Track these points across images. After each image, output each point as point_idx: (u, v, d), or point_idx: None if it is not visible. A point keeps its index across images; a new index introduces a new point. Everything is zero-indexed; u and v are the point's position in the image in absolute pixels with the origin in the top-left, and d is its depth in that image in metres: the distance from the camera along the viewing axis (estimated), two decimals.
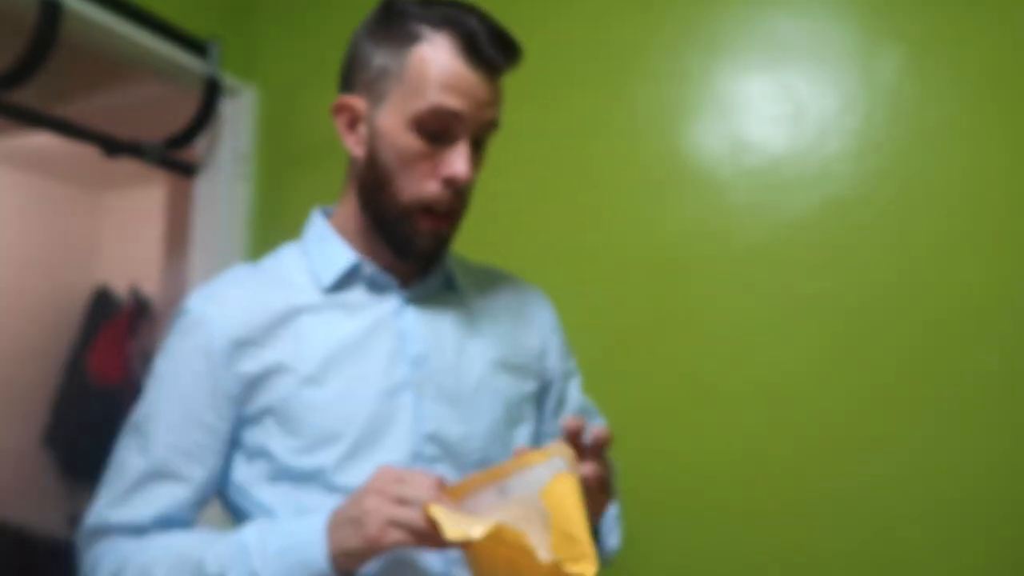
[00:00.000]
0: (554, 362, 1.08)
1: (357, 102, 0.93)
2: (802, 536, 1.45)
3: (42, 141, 3.05)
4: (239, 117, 2.01)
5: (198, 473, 0.91)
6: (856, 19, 1.50)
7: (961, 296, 1.38)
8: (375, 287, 0.96)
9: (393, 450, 0.89)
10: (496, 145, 1.79)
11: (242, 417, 0.91)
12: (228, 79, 1.94)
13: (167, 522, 0.90)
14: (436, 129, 0.87)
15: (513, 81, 1.84)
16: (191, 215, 2.04)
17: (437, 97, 0.85)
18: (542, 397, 1.07)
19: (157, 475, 0.90)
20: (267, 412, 0.90)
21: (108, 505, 0.91)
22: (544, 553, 0.67)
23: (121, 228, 4.18)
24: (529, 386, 1.03)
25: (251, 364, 0.90)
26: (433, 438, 0.91)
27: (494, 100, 0.90)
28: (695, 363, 1.55)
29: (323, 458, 0.87)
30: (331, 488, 0.87)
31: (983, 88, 1.41)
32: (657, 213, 1.61)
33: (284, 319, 0.92)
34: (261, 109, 2.05)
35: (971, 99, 1.41)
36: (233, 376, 0.90)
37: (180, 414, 0.91)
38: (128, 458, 0.92)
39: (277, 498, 0.90)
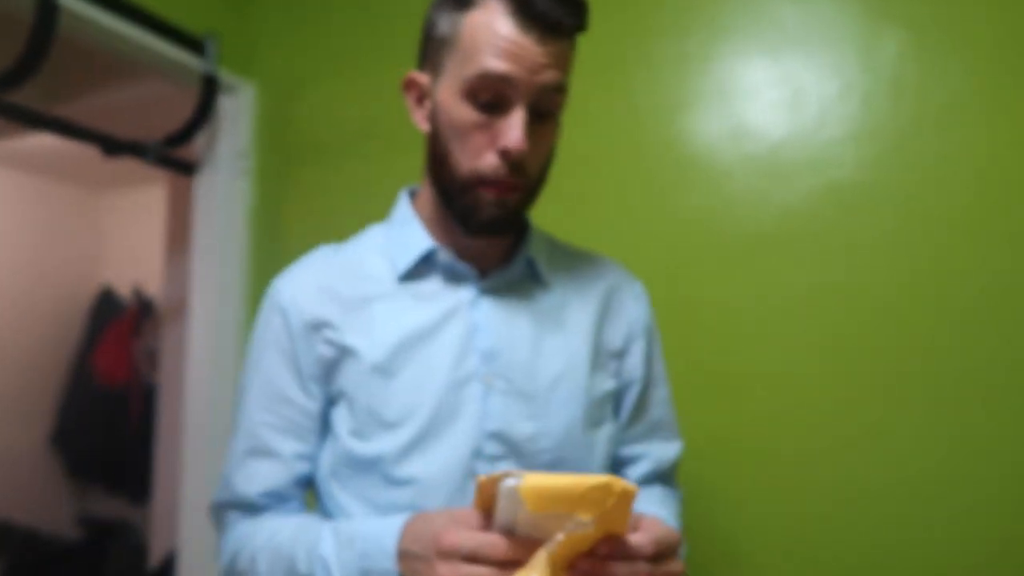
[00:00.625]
0: (636, 363, 1.02)
1: (422, 77, 0.91)
2: (806, 527, 1.44)
3: (41, 142, 3.05)
4: (238, 114, 2.00)
5: (293, 449, 0.93)
6: (856, 3, 1.49)
7: (964, 280, 1.38)
8: (451, 276, 0.94)
9: (454, 445, 0.87)
10: None
11: (328, 397, 0.93)
12: (226, 76, 1.94)
13: (274, 497, 0.93)
14: (489, 97, 0.82)
15: None
16: (191, 213, 2.04)
17: (485, 62, 0.81)
18: (619, 399, 1.01)
19: (255, 451, 0.93)
20: (341, 395, 0.91)
21: (222, 482, 0.97)
22: (588, 529, 0.64)
23: (123, 228, 4.19)
24: (610, 384, 0.98)
25: (326, 348, 0.91)
26: (497, 436, 0.88)
27: (552, 63, 0.82)
28: (695, 351, 1.54)
29: (383, 446, 0.87)
30: (391, 479, 0.87)
31: (983, 72, 1.40)
32: (657, 200, 1.61)
33: (358, 304, 0.92)
34: (260, 106, 2.04)
35: (971, 83, 1.40)
36: (314, 358, 0.92)
37: (268, 392, 0.93)
38: (233, 437, 0.97)
39: (342, 487, 0.91)
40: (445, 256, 0.93)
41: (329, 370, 0.92)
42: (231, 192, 1.99)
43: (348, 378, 0.90)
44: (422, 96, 0.92)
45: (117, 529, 3.67)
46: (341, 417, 0.91)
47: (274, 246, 2.00)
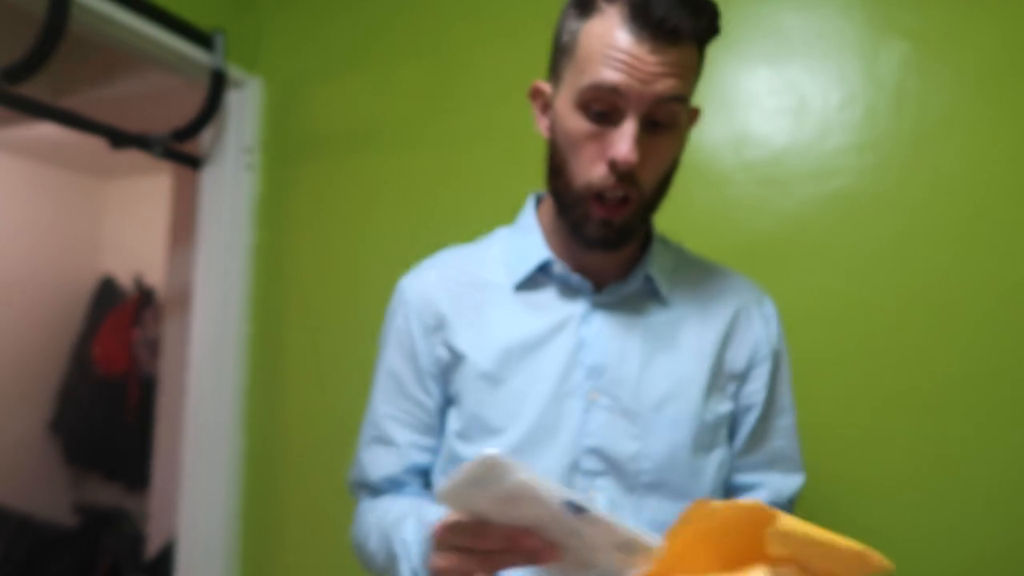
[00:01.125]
0: (757, 387, 0.96)
1: (546, 86, 0.91)
2: None
3: (46, 129, 3.05)
4: (244, 109, 2.01)
5: (411, 440, 0.97)
6: (859, 13, 1.50)
7: (964, 288, 1.39)
8: (566, 288, 0.94)
9: (552, 457, 0.88)
10: (491, 139, 1.80)
11: (446, 397, 0.96)
12: (233, 71, 1.95)
13: (392, 482, 0.98)
14: (601, 107, 0.81)
15: (513, 74, 1.84)
16: (197, 207, 2.05)
17: (597, 72, 0.79)
18: (735, 423, 0.96)
19: (377, 439, 1.00)
20: (456, 396, 0.94)
21: (353, 463, 1.04)
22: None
23: (126, 217, 4.20)
24: (725, 408, 0.94)
25: (444, 350, 0.95)
26: (596, 452, 0.88)
27: (668, 72, 0.78)
28: None
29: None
30: None
31: (985, 82, 1.42)
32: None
33: (474, 310, 0.94)
34: (266, 101, 2.05)
35: (973, 93, 1.42)
36: (433, 358, 0.95)
37: (390, 386, 0.98)
38: (363, 425, 1.03)
39: None
40: (560, 268, 0.93)
41: (446, 371, 0.95)
42: (236, 186, 2.00)
43: (458, 381, 0.93)
44: (546, 105, 0.91)
45: (114, 517, 3.69)
46: (452, 417, 0.95)
47: (278, 241, 2.01)
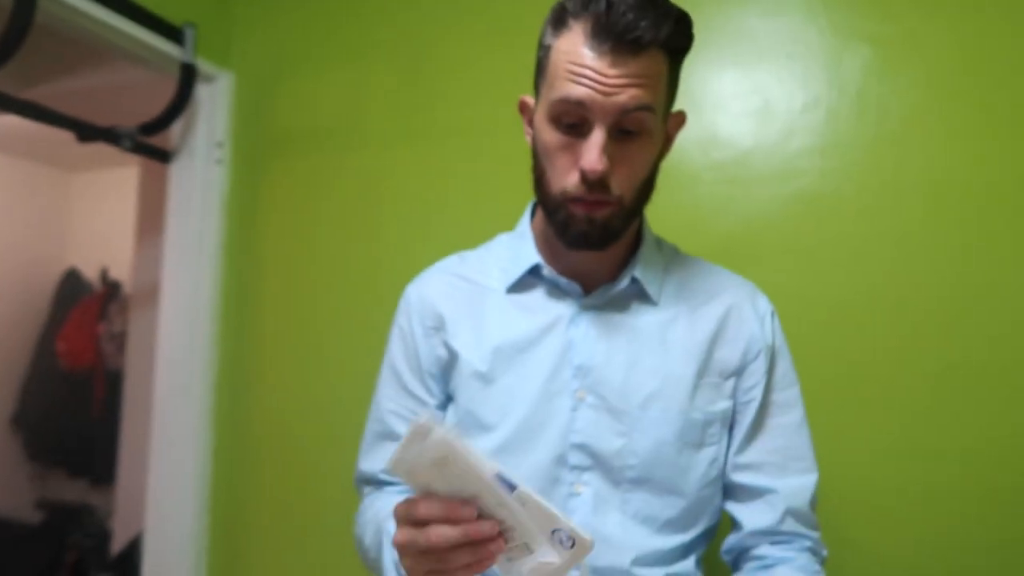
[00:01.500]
0: (751, 384, 0.97)
1: (530, 99, 0.95)
2: None
3: (12, 120, 3.00)
4: (215, 103, 2.00)
5: None
6: (823, 19, 1.53)
7: (922, 292, 1.43)
8: (556, 290, 0.97)
9: (540, 452, 0.92)
10: (463, 136, 1.81)
11: (447, 395, 1.01)
12: (204, 65, 1.94)
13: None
14: (571, 120, 0.84)
15: (486, 70, 1.84)
16: (165, 201, 2.04)
17: (562, 88, 0.83)
18: (733, 421, 0.97)
19: (384, 435, 1.04)
20: (452, 393, 0.99)
21: (358, 457, 1.08)
22: None
23: (92, 210, 4.14)
24: (720, 406, 0.95)
25: (443, 350, 0.99)
26: (582, 448, 0.91)
27: (629, 84, 0.81)
28: None
29: (479, 446, 0.93)
30: None
31: (943, 87, 1.45)
32: None
33: (470, 312, 0.99)
34: (237, 95, 2.04)
35: (933, 98, 1.46)
36: (434, 358, 1.00)
37: (394, 384, 1.03)
38: (368, 421, 1.08)
39: None
40: (549, 272, 0.97)
41: (445, 371, 0.99)
42: (206, 181, 1.99)
43: (456, 379, 0.98)
44: (531, 118, 0.95)
45: (79, 513, 3.65)
46: (449, 413, 0.99)
47: (248, 235, 2.01)
